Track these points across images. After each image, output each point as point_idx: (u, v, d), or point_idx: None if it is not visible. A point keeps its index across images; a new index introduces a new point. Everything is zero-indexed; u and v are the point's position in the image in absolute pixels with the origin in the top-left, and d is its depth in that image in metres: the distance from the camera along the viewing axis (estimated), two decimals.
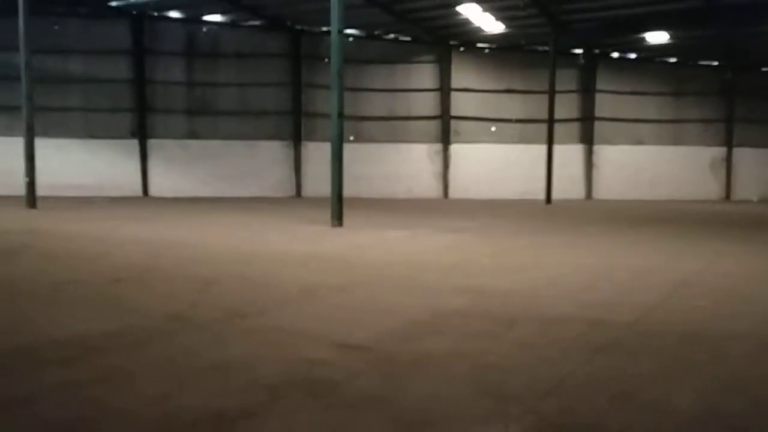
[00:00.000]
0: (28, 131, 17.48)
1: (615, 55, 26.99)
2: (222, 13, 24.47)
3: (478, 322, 5.43)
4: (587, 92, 26.82)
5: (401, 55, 26.25)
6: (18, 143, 18.22)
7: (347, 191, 14.18)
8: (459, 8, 21.17)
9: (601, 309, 5.97)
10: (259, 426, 3.23)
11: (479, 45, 26.25)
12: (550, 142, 23.47)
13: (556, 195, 23.66)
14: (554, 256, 9.93)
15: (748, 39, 23.58)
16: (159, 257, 8.91)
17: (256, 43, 25.34)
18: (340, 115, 13.38)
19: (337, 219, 13.49)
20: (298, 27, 25.41)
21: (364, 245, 10.71)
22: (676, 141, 27.27)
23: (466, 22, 22.77)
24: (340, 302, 6.24)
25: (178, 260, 8.64)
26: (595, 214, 18.97)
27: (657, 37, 23.47)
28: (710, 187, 27.39)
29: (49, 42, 22.59)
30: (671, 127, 27.29)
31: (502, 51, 26.28)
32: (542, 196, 23.59)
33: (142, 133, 24.79)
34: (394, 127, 26.12)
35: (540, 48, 25.13)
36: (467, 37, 25.40)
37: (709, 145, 27.39)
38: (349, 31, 22.58)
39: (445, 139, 26.31)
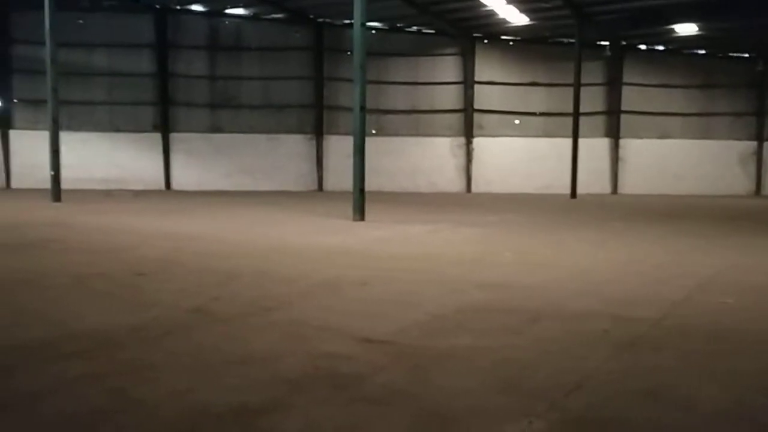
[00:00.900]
0: (53, 125, 17.66)
1: (642, 47, 26.56)
2: (245, 6, 24.56)
3: (501, 316, 5.35)
4: (613, 85, 26.44)
5: (424, 48, 26.10)
6: (43, 137, 18.45)
7: (369, 185, 14.13)
8: (483, 0, 21.00)
9: (626, 304, 5.85)
10: (282, 420, 3.19)
11: (503, 37, 26.02)
12: (575, 136, 23.22)
13: (581, 189, 23.43)
14: (578, 250, 9.79)
15: None
16: (181, 251, 8.93)
17: (278, 37, 25.38)
18: (363, 108, 13.30)
19: (359, 213, 13.43)
20: (321, 20, 25.41)
21: (386, 239, 10.65)
22: (705, 135, 26.78)
23: (490, 14, 22.58)
24: (363, 296, 6.19)
25: (200, 254, 8.66)
26: (620, 208, 18.71)
27: (685, 29, 23.06)
28: (739, 182, 26.86)
29: (74, 36, 22.90)
30: (700, 120, 26.81)
31: (526, 43, 26.02)
32: (567, 190, 23.37)
33: (164, 127, 25.01)
34: (416, 120, 25.99)
35: (565, 40, 24.86)
36: (491, 30, 25.18)
37: (739, 138, 26.87)
38: (371, 23, 22.52)
39: (468, 132, 26.11)
